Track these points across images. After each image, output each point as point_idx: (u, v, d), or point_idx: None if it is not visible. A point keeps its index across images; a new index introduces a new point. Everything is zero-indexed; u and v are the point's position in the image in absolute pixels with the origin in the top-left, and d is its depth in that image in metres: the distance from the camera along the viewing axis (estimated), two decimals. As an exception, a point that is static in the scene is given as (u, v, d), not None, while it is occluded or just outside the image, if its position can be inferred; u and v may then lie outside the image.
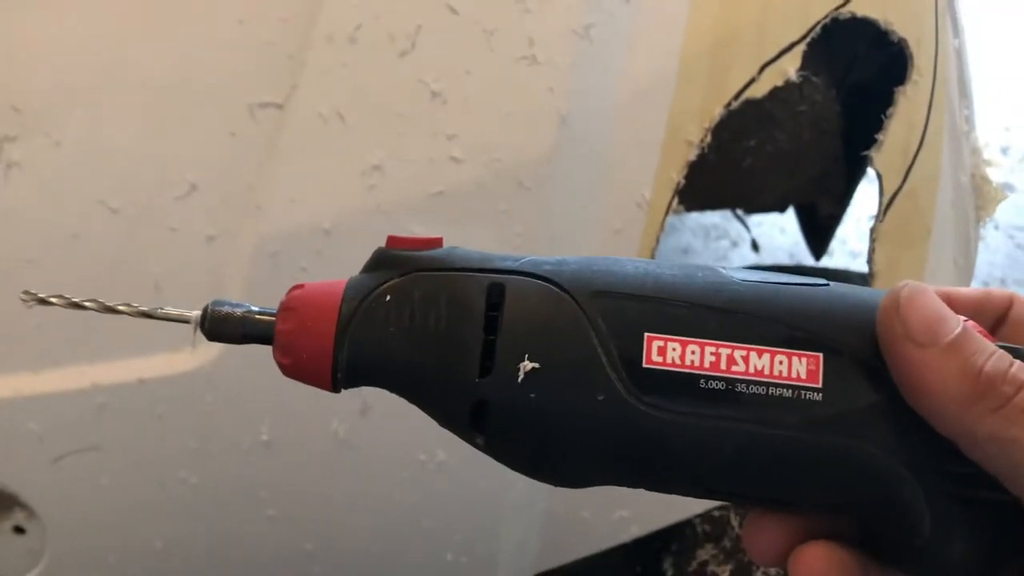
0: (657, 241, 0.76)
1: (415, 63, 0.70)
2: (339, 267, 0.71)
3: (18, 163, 0.70)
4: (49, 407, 0.72)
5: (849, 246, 2.47)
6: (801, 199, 0.97)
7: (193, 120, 0.70)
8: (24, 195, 0.70)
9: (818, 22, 0.78)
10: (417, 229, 0.71)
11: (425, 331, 0.35)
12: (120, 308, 0.40)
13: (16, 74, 0.70)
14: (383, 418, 0.75)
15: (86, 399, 0.72)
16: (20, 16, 0.70)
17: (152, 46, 0.70)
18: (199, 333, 0.38)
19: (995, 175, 0.90)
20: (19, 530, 0.77)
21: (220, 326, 0.37)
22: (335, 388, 0.36)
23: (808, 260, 1.52)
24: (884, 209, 0.81)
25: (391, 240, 0.37)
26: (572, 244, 0.74)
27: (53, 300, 0.41)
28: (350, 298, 0.36)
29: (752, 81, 0.76)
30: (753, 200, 0.98)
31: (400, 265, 0.36)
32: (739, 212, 1.29)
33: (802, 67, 0.77)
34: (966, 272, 0.91)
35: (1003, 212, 1.01)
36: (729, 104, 0.75)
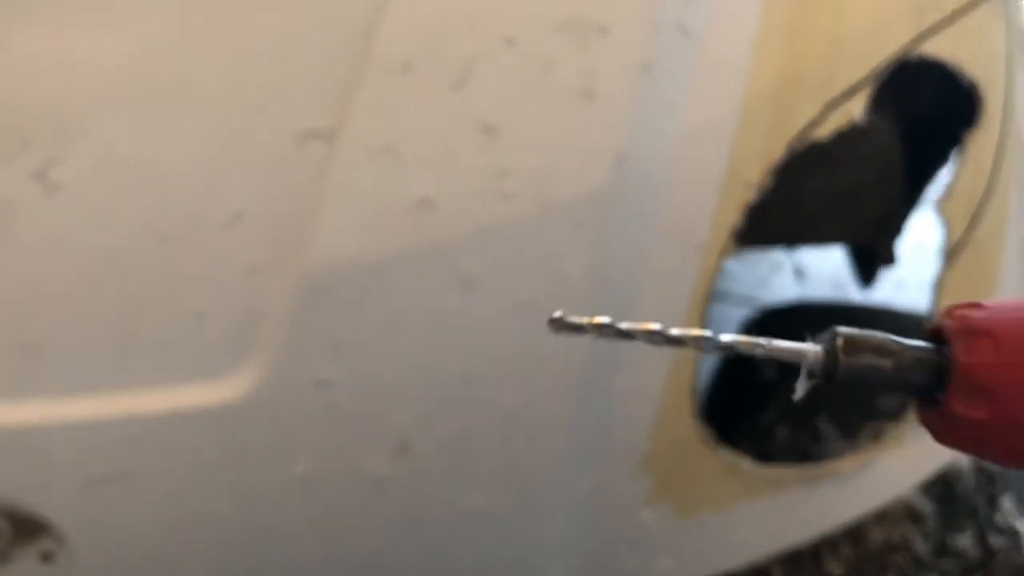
0: (712, 285, 0.74)
1: (469, 96, 0.68)
2: (384, 302, 0.70)
3: (62, 184, 0.68)
4: (83, 434, 0.71)
5: (896, 275, 2.42)
6: (860, 240, 0.95)
7: (241, 148, 0.68)
8: (67, 217, 0.68)
9: (886, 62, 0.75)
10: (464, 266, 0.69)
11: None
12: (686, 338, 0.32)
13: (64, 94, 0.68)
14: (421, 459, 0.73)
15: (121, 427, 0.70)
16: (70, 36, 0.69)
17: (202, 71, 0.69)
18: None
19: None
20: (47, 558, 0.76)
21: (858, 363, 0.28)
22: None
23: (853, 289, 1.49)
24: (948, 260, 0.78)
25: None
26: (625, 285, 0.72)
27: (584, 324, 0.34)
28: None
29: (816, 122, 0.73)
30: (810, 240, 0.95)
31: None
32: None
33: (868, 108, 0.75)
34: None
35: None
36: (791, 145, 0.73)
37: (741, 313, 2.37)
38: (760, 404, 0.97)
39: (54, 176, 0.68)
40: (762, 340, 0.31)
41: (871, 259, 0.95)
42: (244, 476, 0.72)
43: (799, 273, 1.86)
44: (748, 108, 0.71)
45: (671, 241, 0.72)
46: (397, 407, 0.71)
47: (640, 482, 0.77)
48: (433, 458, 0.73)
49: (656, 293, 0.73)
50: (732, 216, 0.72)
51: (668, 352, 0.75)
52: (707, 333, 0.32)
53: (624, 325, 0.33)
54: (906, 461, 0.83)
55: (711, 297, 0.74)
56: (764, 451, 0.92)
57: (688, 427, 0.77)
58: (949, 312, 0.28)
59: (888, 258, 0.92)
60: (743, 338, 0.31)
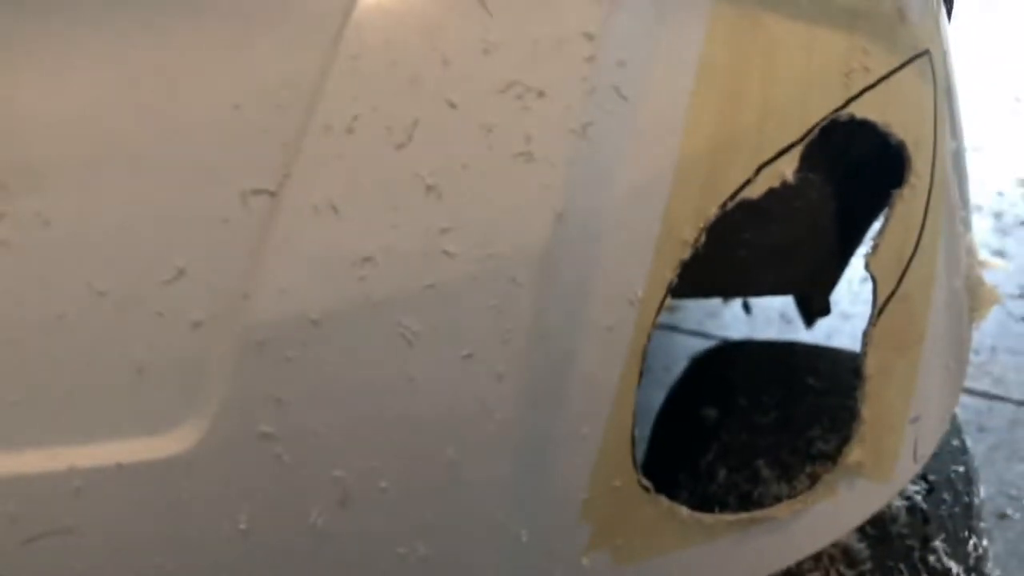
0: (648, 339, 0.76)
1: (411, 156, 0.70)
2: (326, 357, 0.71)
3: (4, 241, 0.69)
4: (24, 488, 0.71)
5: (841, 307, 2.48)
6: (794, 290, 0.97)
7: (184, 204, 0.69)
8: (8, 274, 0.69)
9: (816, 124, 0.78)
10: (405, 322, 0.71)
11: None
12: None
13: (6, 150, 0.69)
14: (364, 510, 0.74)
15: (62, 482, 0.71)
16: (12, 92, 0.70)
17: (146, 127, 0.70)
18: None
19: (989, 276, 0.90)
20: (-14, 611, 0.75)
21: None
22: None
23: (801, 322, 1.53)
24: (877, 313, 0.80)
25: None
26: (564, 340, 0.74)
27: None
28: None
29: (748, 182, 0.76)
30: (745, 290, 0.98)
31: None
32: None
33: (799, 168, 0.77)
34: (958, 376, 0.91)
35: (995, 279, 1.02)
36: (724, 204, 0.75)
37: (696, 342, 2.40)
38: (699, 450, 0.99)
39: (-3, 231, 0.69)
40: None
41: (807, 307, 0.98)
42: (187, 530, 0.73)
43: (747, 307, 1.91)
44: (682, 170, 0.73)
45: (608, 297, 0.74)
46: (340, 460, 0.73)
47: (580, 530, 0.79)
48: (376, 510, 0.74)
49: (594, 348, 0.75)
50: (667, 272, 0.75)
51: (608, 400, 0.77)
52: None
53: None
54: (837, 509, 0.85)
55: (647, 350, 0.76)
56: (700, 494, 0.94)
57: (626, 475, 0.78)
58: None
59: (822, 308, 0.95)
60: None
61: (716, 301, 2.49)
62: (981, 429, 2.09)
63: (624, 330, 0.75)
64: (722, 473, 0.98)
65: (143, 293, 0.69)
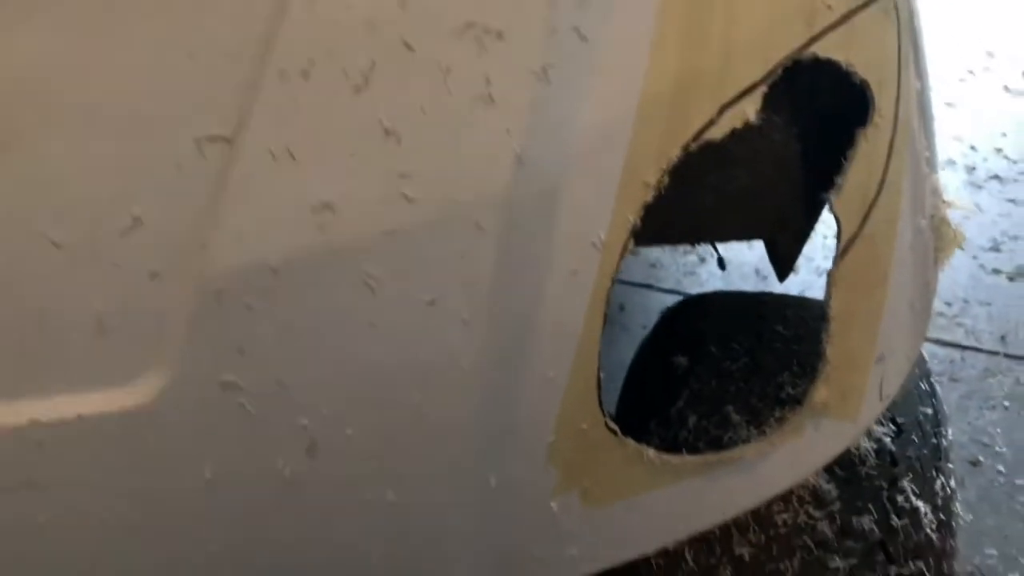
0: (612, 282, 0.75)
1: (369, 100, 0.69)
2: (287, 305, 0.70)
3: (-43, 193, 0.67)
4: (-15, 443, 0.70)
5: (816, 263, 2.49)
6: (760, 235, 0.97)
7: (139, 153, 0.68)
8: (-38, 227, 0.68)
9: (779, 63, 0.78)
10: (367, 268, 0.70)
11: None
12: None
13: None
14: (330, 457, 0.74)
15: (23, 435, 0.70)
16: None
17: (98, 76, 0.68)
18: None
19: (954, 215, 0.91)
20: (-48, 567, 0.75)
21: None
22: None
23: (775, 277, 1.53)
24: (841, 254, 0.80)
25: None
26: (528, 285, 0.73)
27: None
28: None
29: (711, 123, 0.75)
30: (711, 236, 0.98)
31: None
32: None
33: (762, 108, 0.77)
34: (923, 317, 0.91)
35: (967, 232, 1.02)
36: (687, 146, 0.75)
37: (673, 300, 2.41)
38: (670, 398, 1.00)
39: (-52, 185, 0.67)
40: None
41: (777, 256, 0.99)
42: (152, 481, 0.72)
43: (723, 264, 1.91)
44: (644, 111, 0.73)
45: (571, 241, 0.74)
46: (304, 407, 0.72)
47: (547, 474, 0.79)
48: (342, 457, 0.74)
49: (558, 291, 0.74)
50: (630, 216, 0.74)
51: (573, 344, 0.76)
52: None
53: None
54: (804, 449, 0.86)
55: (611, 294, 0.76)
56: (671, 440, 0.94)
57: (593, 418, 0.78)
58: None
59: (790, 254, 0.95)
60: None
61: (693, 259, 2.50)
62: (954, 379, 2.11)
63: (588, 273, 0.74)
64: (692, 419, 0.99)
65: (100, 244, 0.68)
